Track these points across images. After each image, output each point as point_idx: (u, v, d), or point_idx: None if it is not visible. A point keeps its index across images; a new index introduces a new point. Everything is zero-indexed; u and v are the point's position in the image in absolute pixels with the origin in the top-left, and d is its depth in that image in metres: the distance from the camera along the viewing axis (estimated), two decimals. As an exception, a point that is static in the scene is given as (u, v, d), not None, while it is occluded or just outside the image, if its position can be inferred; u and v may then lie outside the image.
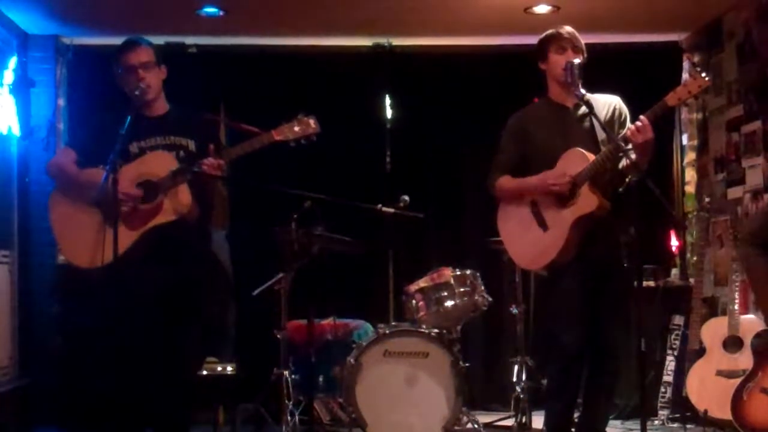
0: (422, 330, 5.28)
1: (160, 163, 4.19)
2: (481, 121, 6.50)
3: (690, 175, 6.83)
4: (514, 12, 6.11)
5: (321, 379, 5.80)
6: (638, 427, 4.46)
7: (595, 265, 4.31)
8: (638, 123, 4.11)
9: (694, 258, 6.18)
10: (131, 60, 4.27)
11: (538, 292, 5.71)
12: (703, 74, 4.04)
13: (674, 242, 6.80)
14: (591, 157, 4.23)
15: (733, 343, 5.31)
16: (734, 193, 6.08)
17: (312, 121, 4.27)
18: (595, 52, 4.58)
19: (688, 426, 5.51)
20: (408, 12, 6.17)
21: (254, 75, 6.75)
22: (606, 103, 4.42)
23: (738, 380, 5.15)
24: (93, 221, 4.13)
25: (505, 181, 4.51)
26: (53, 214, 4.31)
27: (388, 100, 6.92)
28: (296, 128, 4.25)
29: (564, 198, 4.29)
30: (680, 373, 5.65)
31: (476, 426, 5.40)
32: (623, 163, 4.27)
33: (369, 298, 6.37)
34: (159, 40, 4.46)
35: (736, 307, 5.34)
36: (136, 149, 4.24)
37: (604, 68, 5.44)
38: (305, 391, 5.48)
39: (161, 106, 4.39)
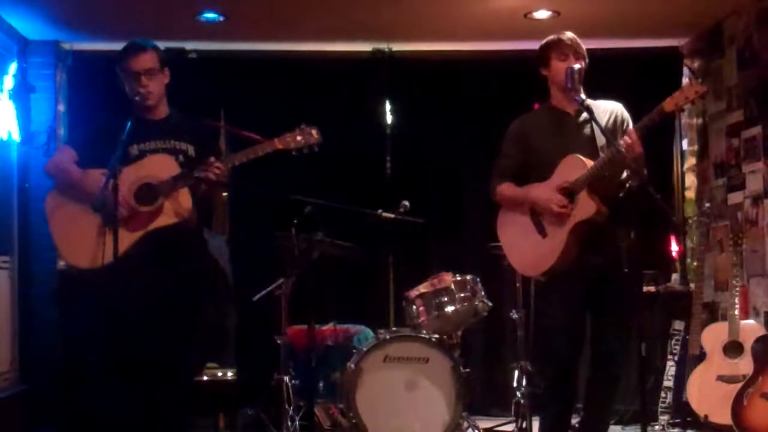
0: (422, 335, 5.27)
1: (160, 166, 4.20)
2: (481, 126, 6.50)
3: (690, 180, 6.83)
4: (514, 17, 6.11)
5: (321, 384, 5.79)
6: (639, 432, 4.47)
7: (594, 271, 4.30)
8: (626, 138, 4.11)
9: (695, 263, 6.17)
10: (135, 66, 4.26)
11: (536, 297, 5.71)
12: (700, 80, 4.04)
13: (674, 247, 6.80)
14: (590, 163, 4.22)
15: (733, 349, 5.31)
16: (734, 198, 6.08)
17: (314, 131, 4.28)
18: (595, 57, 4.57)
19: (689, 431, 5.51)
20: (408, 17, 6.17)
21: (254, 80, 6.74)
22: (607, 110, 4.41)
23: (738, 385, 5.15)
24: (92, 223, 4.11)
25: (506, 188, 4.50)
26: (52, 215, 4.29)
27: (388, 106, 6.92)
28: (298, 137, 4.26)
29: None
30: (681, 379, 5.64)
31: (476, 431, 5.41)
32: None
33: (369, 304, 6.36)
34: (159, 45, 4.45)
35: (737, 312, 5.34)
36: (136, 151, 4.23)
37: (605, 74, 5.42)
38: (305, 396, 5.48)
39: (162, 110, 4.39)
